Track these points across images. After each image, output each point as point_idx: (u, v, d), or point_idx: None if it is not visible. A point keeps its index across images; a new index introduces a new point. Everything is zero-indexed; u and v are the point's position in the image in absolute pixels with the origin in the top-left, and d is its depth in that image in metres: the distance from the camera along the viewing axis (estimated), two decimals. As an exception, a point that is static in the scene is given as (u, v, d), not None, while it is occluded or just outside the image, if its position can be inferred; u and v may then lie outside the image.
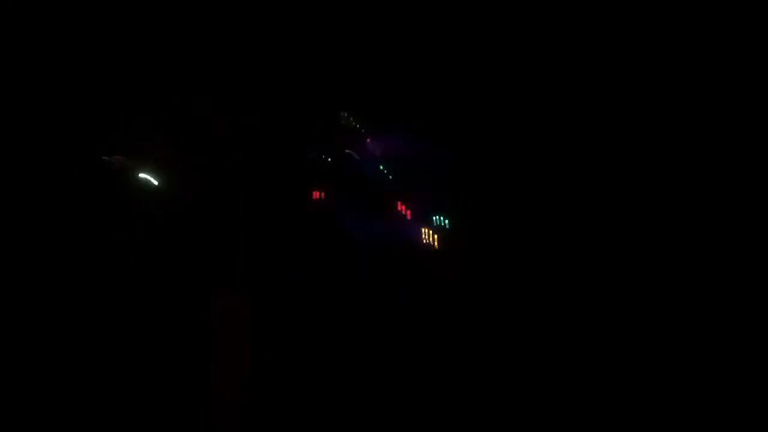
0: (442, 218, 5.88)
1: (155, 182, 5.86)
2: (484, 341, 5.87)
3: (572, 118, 6.06)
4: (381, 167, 6.28)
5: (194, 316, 5.65)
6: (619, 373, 5.63)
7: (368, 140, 6.22)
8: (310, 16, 6.03)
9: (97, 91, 5.85)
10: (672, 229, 5.87)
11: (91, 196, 5.84)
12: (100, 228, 5.84)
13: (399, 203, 6.16)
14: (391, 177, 6.30)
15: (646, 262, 5.82)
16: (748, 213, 5.75)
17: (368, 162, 6.24)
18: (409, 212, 6.11)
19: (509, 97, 5.96)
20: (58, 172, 5.84)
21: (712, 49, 5.90)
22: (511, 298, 5.94)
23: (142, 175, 5.84)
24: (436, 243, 5.92)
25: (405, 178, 6.23)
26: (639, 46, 6.00)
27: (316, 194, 6.08)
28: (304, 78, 6.04)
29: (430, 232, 5.95)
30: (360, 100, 6.21)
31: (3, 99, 5.80)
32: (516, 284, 5.98)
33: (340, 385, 5.66)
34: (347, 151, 6.23)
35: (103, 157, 5.84)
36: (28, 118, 5.87)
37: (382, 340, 5.84)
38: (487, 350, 5.76)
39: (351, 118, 6.24)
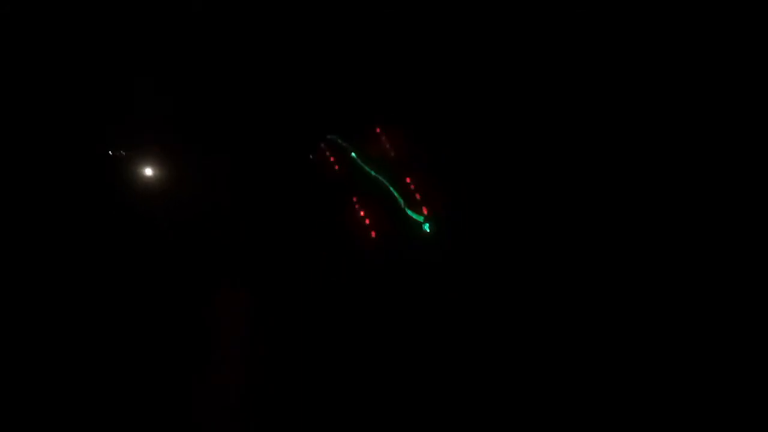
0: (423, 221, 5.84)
1: (156, 175, 5.77)
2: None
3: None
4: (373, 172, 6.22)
5: (193, 313, 5.57)
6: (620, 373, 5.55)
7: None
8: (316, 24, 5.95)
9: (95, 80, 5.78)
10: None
11: (89, 190, 5.76)
12: (96, 222, 5.76)
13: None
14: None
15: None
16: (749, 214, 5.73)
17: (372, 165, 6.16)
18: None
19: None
20: (55, 165, 5.77)
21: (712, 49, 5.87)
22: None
23: (141, 168, 5.75)
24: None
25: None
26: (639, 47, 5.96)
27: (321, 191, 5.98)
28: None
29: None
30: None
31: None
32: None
33: (343, 385, 5.54)
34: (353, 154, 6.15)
35: (101, 151, 5.77)
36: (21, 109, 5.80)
37: (388, 341, 5.75)
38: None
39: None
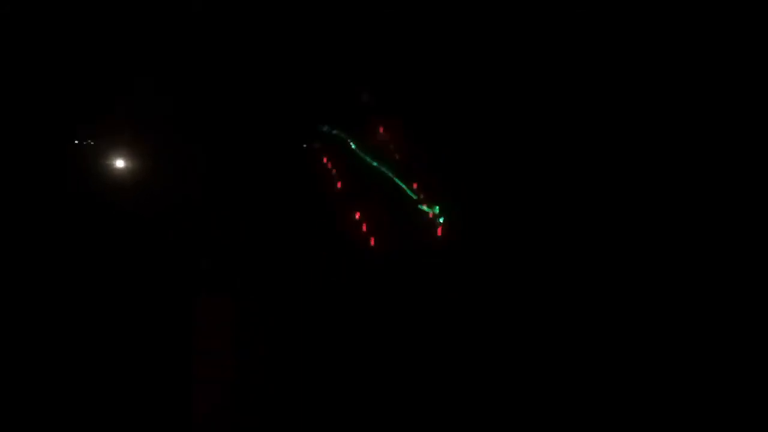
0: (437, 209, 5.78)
1: (130, 170, 5.72)
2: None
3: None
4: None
5: (193, 313, 5.55)
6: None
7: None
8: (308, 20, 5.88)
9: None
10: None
11: (58, 187, 5.71)
12: (92, 220, 5.73)
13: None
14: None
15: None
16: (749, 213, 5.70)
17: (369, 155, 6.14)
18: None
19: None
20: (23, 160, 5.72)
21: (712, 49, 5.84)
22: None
23: (115, 162, 5.69)
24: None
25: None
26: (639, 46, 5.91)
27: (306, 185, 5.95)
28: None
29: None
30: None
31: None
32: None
33: (343, 385, 5.49)
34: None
35: (74, 143, 5.72)
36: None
37: (379, 343, 5.72)
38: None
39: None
